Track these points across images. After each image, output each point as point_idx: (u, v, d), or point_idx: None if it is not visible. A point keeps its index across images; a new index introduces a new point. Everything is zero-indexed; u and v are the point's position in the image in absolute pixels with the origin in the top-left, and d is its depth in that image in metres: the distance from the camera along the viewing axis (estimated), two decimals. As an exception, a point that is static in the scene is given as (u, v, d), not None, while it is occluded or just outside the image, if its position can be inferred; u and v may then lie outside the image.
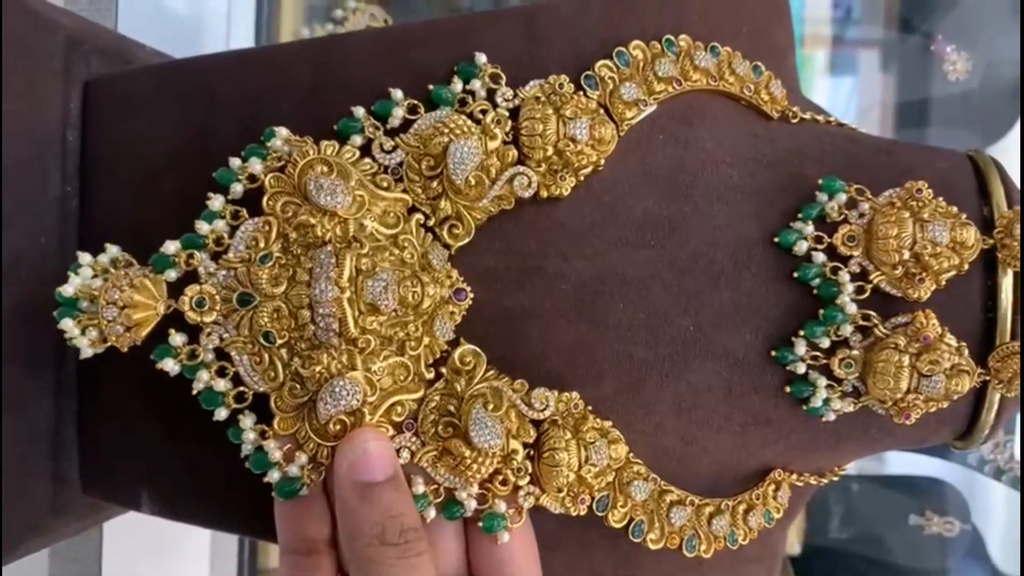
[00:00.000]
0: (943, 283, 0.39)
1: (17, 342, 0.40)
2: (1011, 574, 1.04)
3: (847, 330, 0.39)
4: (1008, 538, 1.05)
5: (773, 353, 0.40)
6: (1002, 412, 0.42)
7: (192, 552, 0.70)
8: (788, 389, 0.40)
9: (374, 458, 0.35)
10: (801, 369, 0.39)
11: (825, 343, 0.39)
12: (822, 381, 0.39)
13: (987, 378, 0.39)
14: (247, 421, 0.37)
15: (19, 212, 0.39)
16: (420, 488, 0.37)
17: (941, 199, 0.39)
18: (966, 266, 0.38)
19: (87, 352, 0.36)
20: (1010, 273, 0.39)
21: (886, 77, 1.11)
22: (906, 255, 0.38)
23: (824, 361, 0.39)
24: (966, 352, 0.38)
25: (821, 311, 0.39)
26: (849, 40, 1.14)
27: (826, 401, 0.40)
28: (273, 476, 0.37)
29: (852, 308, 0.39)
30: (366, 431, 0.36)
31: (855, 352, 0.39)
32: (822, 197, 0.40)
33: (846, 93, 1.16)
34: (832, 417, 0.40)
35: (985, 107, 1.01)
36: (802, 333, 0.39)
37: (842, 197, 0.40)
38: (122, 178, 0.42)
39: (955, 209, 0.39)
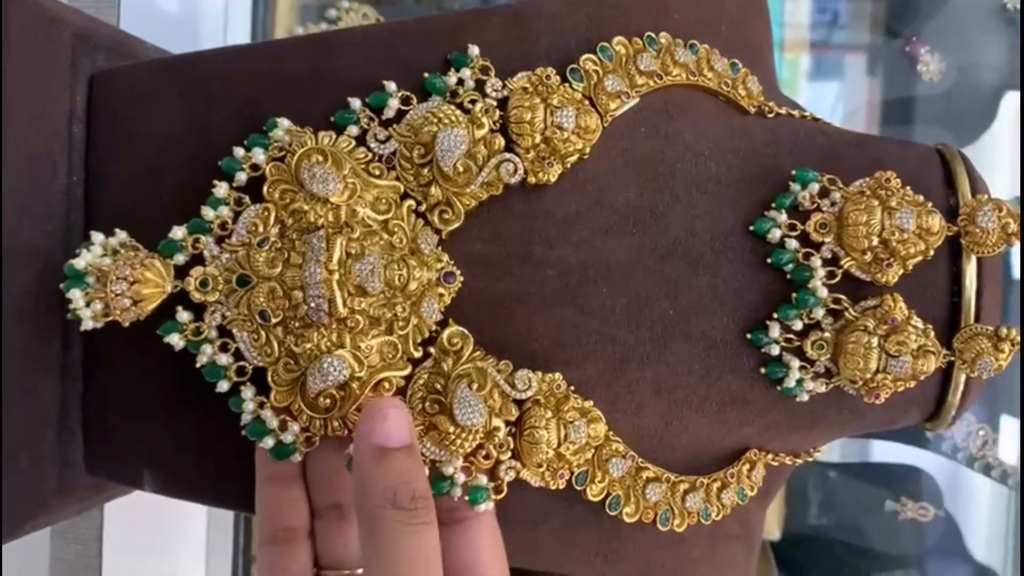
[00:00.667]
0: (910, 268, 0.40)
1: (25, 328, 0.41)
2: (985, 560, 1.07)
3: (819, 313, 0.41)
4: (989, 527, 1.07)
5: (748, 336, 0.42)
6: (968, 393, 0.44)
7: (189, 535, 0.72)
8: (763, 370, 0.42)
9: (393, 424, 0.36)
10: (775, 351, 0.41)
11: (798, 325, 0.41)
12: (795, 362, 0.41)
13: (952, 359, 0.41)
14: (247, 393, 0.40)
15: (28, 201, 0.41)
16: None
17: (909, 188, 0.41)
18: (932, 252, 0.40)
19: (88, 324, 0.38)
20: (974, 259, 0.41)
21: (872, 81, 1.13)
22: (875, 241, 0.40)
23: (797, 343, 0.41)
24: (932, 334, 0.40)
25: (794, 295, 0.41)
26: (835, 44, 1.16)
27: (799, 382, 0.42)
28: (268, 443, 0.39)
29: (823, 292, 0.40)
30: (388, 399, 0.38)
31: (826, 334, 0.41)
32: (795, 187, 0.42)
33: (833, 97, 1.18)
34: (805, 397, 0.42)
35: (963, 109, 1.03)
36: (776, 316, 0.41)
37: (814, 187, 0.42)
38: (126, 168, 0.43)
39: (921, 198, 0.41)
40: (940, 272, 0.42)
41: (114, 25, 0.57)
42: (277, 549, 0.39)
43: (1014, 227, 0.40)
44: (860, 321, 0.40)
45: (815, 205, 0.41)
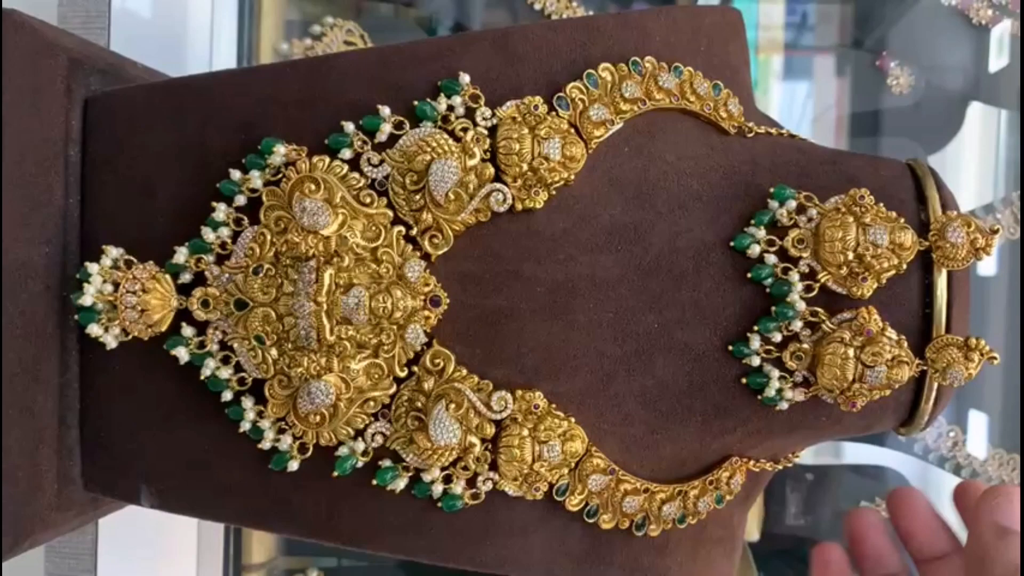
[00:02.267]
0: (884, 281, 0.42)
1: (23, 348, 0.42)
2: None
3: (797, 325, 0.42)
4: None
5: (730, 348, 0.43)
6: (939, 400, 0.45)
7: (181, 548, 0.72)
8: (744, 380, 0.43)
9: (1016, 509, 0.39)
10: (756, 362, 0.43)
11: (777, 338, 0.42)
12: (775, 372, 0.43)
13: (925, 368, 0.43)
14: (247, 403, 0.42)
15: (25, 223, 0.42)
16: (388, 462, 0.42)
17: (882, 205, 0.42)
18: (904, 266, 0.42)
19: (112, 344, 0.42)
20: (944, 272, 0.43)
21: (841, 81, 1.15)
22: (850, 256, 0.41)
23: (777, 354, 0.43)
24: (905, 344, 0.42)
25: (773, 308, 0.42)
26: (805, 46, 1.18)
27: (779, 391, 0.43)
28: (265, 445, 0.42)
29: (801, 305, 0.42)
30: (1012, 488, 0.41)
31: (805, 346, 0.43)
32: (773, 204, 0.43)
33: (803, 96, 1.20)
34: (785, 406, 0.44)
35: (930, 119, 1.06)
36: (756, 328, 0.43)
37: (792, 204, 0.43)
38: (121, 189, 0.44)
39: (894, 214, 0.42)
40: (913, 285, 0.43)
41: (106, 47, 0.57)
42: None
43: (982, 242, 0.41)
44: (837, 333, 0.42)
45: (792, 221, 0.43)
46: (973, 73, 1.06)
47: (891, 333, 0.42)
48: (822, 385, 0.42)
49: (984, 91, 1.05)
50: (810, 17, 1.17)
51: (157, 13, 0.65)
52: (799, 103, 1.18)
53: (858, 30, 1.10)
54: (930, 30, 1.07)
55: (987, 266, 1.05)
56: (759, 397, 0.44)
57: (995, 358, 0.41)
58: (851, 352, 0.41)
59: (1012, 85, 1.03)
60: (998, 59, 1.05)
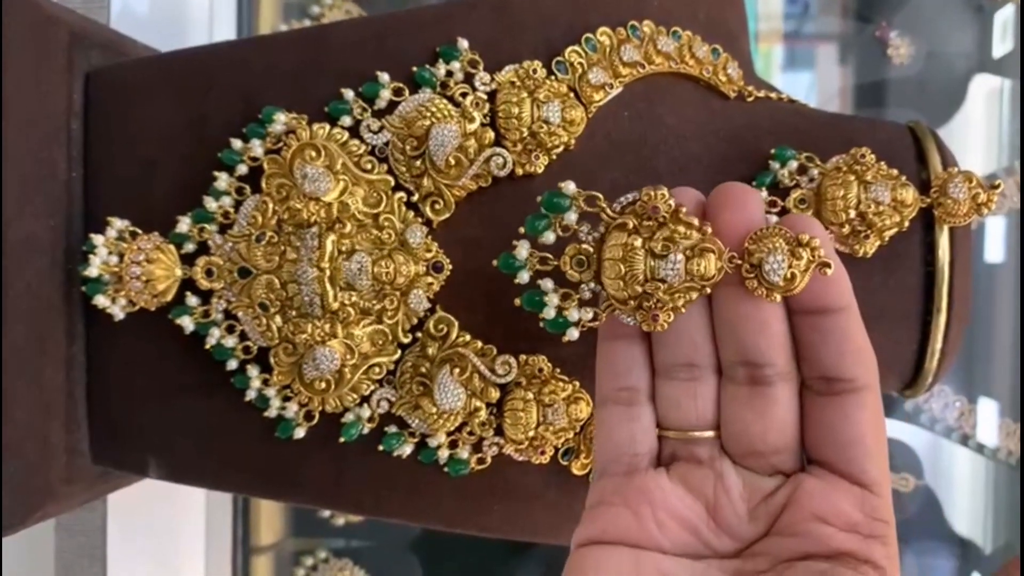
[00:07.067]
0: (886, 239, 0.42)
1: (29, 322, 0.42)
2: (967, 533, 1.09)
3: None
4: (971, 500, 1.10)
5: None
6: (944, 360, 0.45)
7: (190, 524, 0.73)
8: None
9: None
10: None
11: None
12: None
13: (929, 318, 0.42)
14: (253, 371, 0.42)
15: (30, 198, 0.42)
16: (393, 428, 0.42)
17: (883, 164, 0.43)
18: (907, 223, 0.42)
19: (120, 315, 0.42)
20: (946, 229, 0.43)
21: (844, 70, 1.15)
22: (852, 214, 0.41)
23: None
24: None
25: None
26: (807, 35, 1.18)
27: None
28: (271, 413, 0.42)
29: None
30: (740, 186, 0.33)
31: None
32: (775, 165, 0.43)
33: (806, 86, 1.20)
34: None
35: (933, 92, 1.06)
36: None
37: (793, 164, 0.43)
38: (124, 161, 0.44)
39: (895, 172, 0.42)
40: (915, 243, 0.43)
41: (106, 24, 0.58)
42: (618, 409, 0.36)
43: (983, 197, 0.41)
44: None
45: (794, 182, 0.43)
46: (977, 59, 1.06)
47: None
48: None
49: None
50: (812, 6, 1.17)
51: (157, -5, 0.66)
52: (802, 93, 1.18)
53: (862, 10, 1.10)
54: (934, 11, 1.07)
55: (994, 253, 1.04)
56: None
57: (828, 264, 0.31)
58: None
59: (1014, 71, 1.03)
60: (1002, 44, 1.05)
